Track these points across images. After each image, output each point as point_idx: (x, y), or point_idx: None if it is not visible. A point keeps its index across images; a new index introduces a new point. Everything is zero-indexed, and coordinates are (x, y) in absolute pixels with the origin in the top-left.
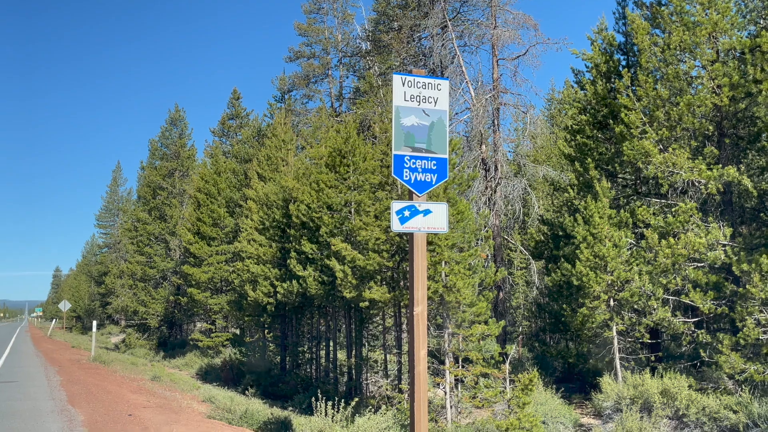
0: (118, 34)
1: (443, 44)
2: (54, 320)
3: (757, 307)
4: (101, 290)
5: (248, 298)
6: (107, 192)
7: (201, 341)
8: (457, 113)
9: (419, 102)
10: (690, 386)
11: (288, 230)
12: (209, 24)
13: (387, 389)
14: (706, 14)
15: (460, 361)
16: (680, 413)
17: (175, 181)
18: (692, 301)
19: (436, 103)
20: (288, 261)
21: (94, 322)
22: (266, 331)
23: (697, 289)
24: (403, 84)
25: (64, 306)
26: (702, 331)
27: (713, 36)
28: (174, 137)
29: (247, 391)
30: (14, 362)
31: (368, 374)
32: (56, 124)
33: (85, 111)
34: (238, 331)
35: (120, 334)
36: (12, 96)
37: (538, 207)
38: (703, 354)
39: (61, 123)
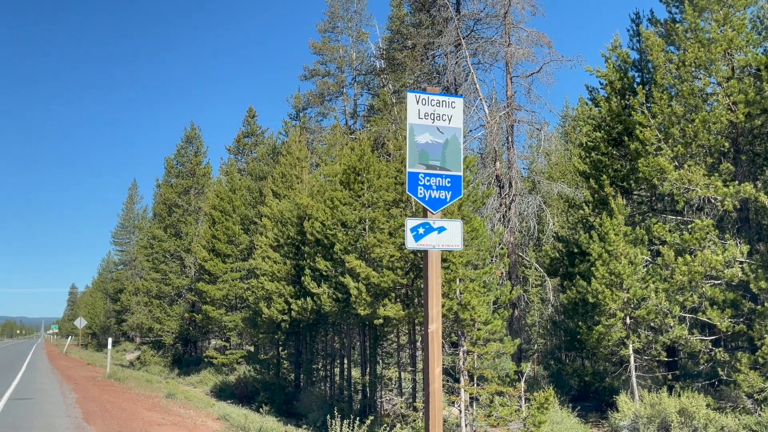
0: (132, 51)
1: (457, 62)
2: (70, 337)
3: None
4: (117, 307)
5: (263, 315)
6: (123, 209)
7: (215, 358)
8: (471, 130)
9: (433, 119)
10: (708, 405)
11: (302, 247)
12: (225, 43)
13: (401, 407)
14: (721, 31)
15: (475, 379)
16: None
17: (190, 199)
18: (709, 318)
19: (450, 120)
20: (302, 278)
21: (110, 339)
22: (280, 348)
23: (715, 306)
24: (417, 102)
25: (80, 323)
26: (720, 349)
27: (728, 53)
28: (190, 155)
29: (261, 409)
30: (30, 379)
31: (383, 392)
32: (71, 140)
33: (101, 128)
34: (252, 349)
35: (135, 351)
36: (26, 112)
37: (553, 224)
38: (721, 372)
39: (77, 139)
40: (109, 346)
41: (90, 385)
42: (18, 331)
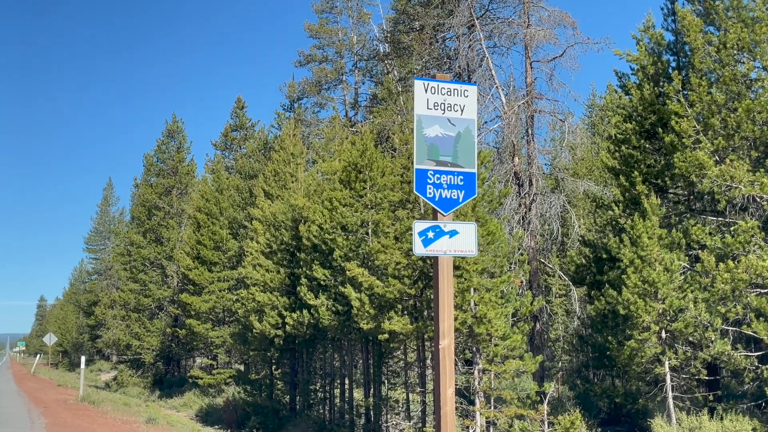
0: (106, 39)
1: (470, 45)
2: (38, 355)
3: None
4: (90, 322)
5: (254, 330)
6: (97, 212)
7: (201, 378)
8: (486, 122)
9: (444, 110)
10: (754, 429)
11: (298, 254)
12: (210, 26)
13: None
14: (766, 9)
15: (492, 401)
16: None
17: (172, 200)
18: (755, 332)
19: (462, 111)
20: (298, 288)
21: (83, 358)
22: (274, 367)
23: (761, 318)
24: (426, 90)
25: (50, 340)
26: (767, 366)
27: None
28: (171, 151)
29: None
30: None
31: (388, 416)
32: (39, 135)
33: (72, 122)
34: (242, 368)
35: (111, 370)
36: None
37: (579, 226)
38: None
39: (45, 135)
40: (82, 366)
41: (61, 408)
42: None
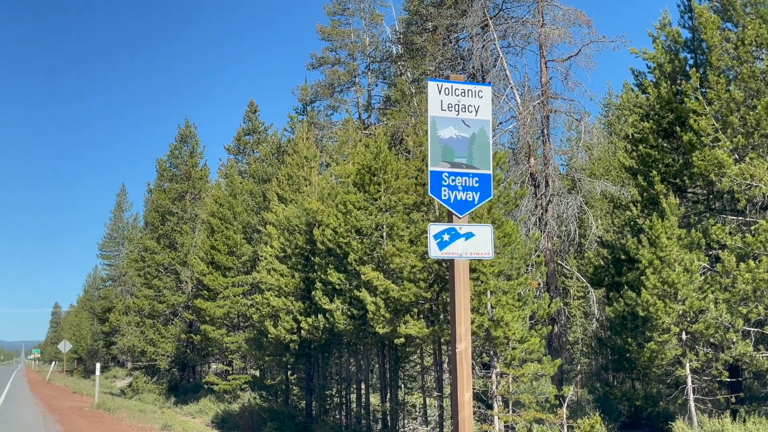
0: (118, 42)
1: (484, 45)
2: (53, 363)
3: None
4: (105, 328)
5: (269, 336)
6: (111, 218)
7: (216, 384)
8: (501, 123)
9: (458, 111)
10: None
11: (312, 258)
12: (221, 29)
13: None
14: None
15: (511, 405)
16: None
17: (186, 205)
18: None
19: (477, 112)
20: (313, 293)
21: (98, 365)
22: (289, 372)
23: None
24: (440, 91)
25: (65, 347)
26: None
27: None
28: (184, 156)
29: None
30: (10, 411)
31: (405, 420)
32: (50, 139)
33: (83, 127)
34: (257, 373)
35: (126, 377)
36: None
37: (596, 227)
38: None
39: (56, 139)
40: (97, 373)
41: (76, 416)
42: None
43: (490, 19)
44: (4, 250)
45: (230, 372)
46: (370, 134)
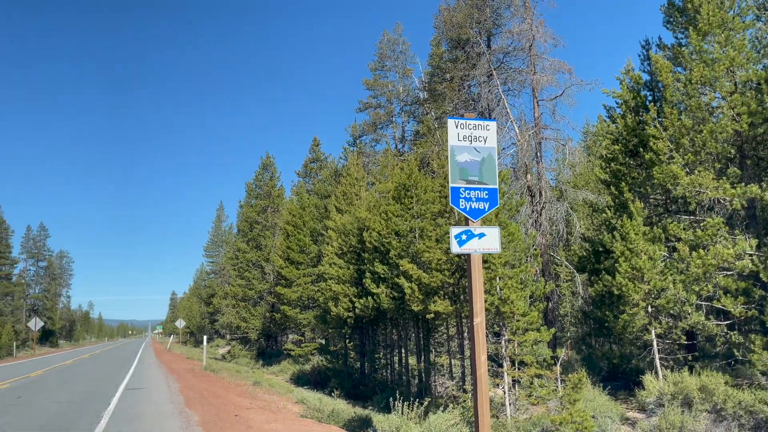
0: (214, 91)
1: (489, 90)
2: (172, 336)
3: None
4: (209, 309)
5: (331, 313)
6: (212, 227)
7: (293, 351)
8: (504, 148)
9: (471, 141)
10: (726, 383)
11: (362, 254)
12: (293, 86)
13: (453, 390)
14: (723, 51)
15: (516, 364)
16: (718, 407)
17: (267, 216)
18: (724, 305)
19: (485, 141)
20: (363, 280)
21: (205, 337)
22: (347, 340)
23: (728, 294)
24: (457, 126)
25: (180, 324)
26: (734, 332)
27: (731, 70)
28: (266, 179)
29: (332, 393)
30: (141, 372)
31: (436, 377)
32: (167, 168)
33: (187, 156)
34: (323, 342)
35: (226, 346)
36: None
37: (580, 227)
38: (736, 353)
39: (172, 169)
40: (204, 343)
41: (190, 376)
42: (130, 332)
43: (494, 70)
44: (136, 253)
45: (303, 341)
46: (404, 160)
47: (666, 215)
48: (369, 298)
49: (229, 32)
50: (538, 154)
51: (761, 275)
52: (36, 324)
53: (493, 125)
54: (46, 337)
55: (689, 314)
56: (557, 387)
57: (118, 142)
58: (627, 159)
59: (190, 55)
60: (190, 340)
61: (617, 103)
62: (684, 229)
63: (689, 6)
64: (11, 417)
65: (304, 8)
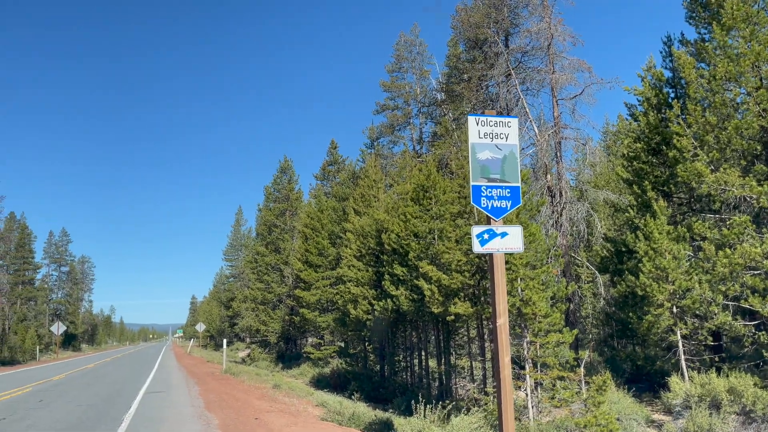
0: (227, 92)
1: (508, 90)
2: (192, 339)
3: None
4: (229, 313)
5: (350, 316)
6: (231, 231)
7: (312, 354)
8: (523, 148)
9: (492, 138)
10: (755, 384)
11: (381, 256)
12: (312, 90)
13: (474, 392)
14: (748, 46)
15: (539, 366)
16: (747, 409)
17: (286, 219)
18: (751, 305)
19: (507, 138)
20: (383, 282)
21: (224, 341)
22: (366, 343)
23: (756, 294)
24: (477, 124)
25: (200, 327)
26: (762, 332)
27: (756, 65)
28: (284, 183)
29: (352, 396)
30: (162, 376)
31: (456, 379)
32: (186, 173)
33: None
34: (343, 344)
35: (245, 349)
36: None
37: (601, 227)
38: (765, 354)
39: (191, 173)
40: (224, 346)
41: (210, 379)
42: (151, 336)
43: (512, 69)
44: (157, 257)
45: (322, 344)
46: (423, 161)
47: (690, 214)
48: (388, 300)
49: (244, 35)
50: (558, 153)
51: None
52: (59, 328)
53: (514, 122)
54: (69, 341)
55: (715, 314)
56: (581, 389)
57: (135, 144)
58: (649, 157)
59: (210, 57)
60: (210, 343)
61: (639, 101)
62: (709, 227)
63: (712, 1)
64: (33, 420)
65: (315, 10)
